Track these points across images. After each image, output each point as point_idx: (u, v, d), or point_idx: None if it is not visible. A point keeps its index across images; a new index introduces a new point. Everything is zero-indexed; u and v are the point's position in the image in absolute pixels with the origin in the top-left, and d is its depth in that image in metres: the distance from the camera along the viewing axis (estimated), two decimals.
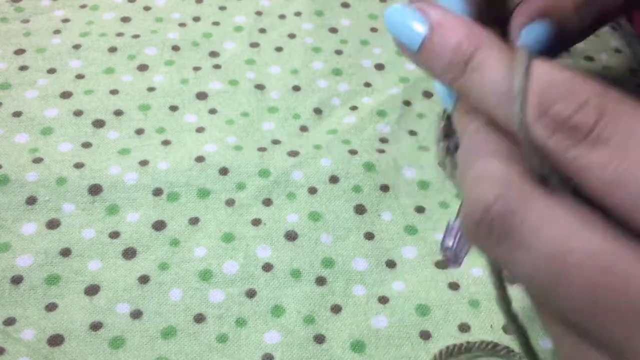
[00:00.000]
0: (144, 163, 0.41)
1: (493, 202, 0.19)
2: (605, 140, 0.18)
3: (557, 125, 0.19)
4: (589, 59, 0.51)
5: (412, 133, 0.44)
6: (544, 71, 0.19)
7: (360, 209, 0.40)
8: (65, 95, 0.44)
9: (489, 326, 0.35)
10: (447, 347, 0.34)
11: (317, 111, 0.45)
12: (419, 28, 0.22)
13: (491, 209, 0.19)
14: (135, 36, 0.49)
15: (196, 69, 0.47)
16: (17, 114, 0.43)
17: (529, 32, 0.29)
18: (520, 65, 0.20)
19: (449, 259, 0.25)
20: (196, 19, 0.51)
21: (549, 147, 0.19)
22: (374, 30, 0.52)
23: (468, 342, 0.34)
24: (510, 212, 0.18)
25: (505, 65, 0.20)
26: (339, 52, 0.50)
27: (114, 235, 0.37)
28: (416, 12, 0.22)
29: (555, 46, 0.30)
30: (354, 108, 0.46)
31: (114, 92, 0.45)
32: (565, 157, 0.19)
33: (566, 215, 0.18)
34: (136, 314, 0.35)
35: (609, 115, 0.18)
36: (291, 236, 0.38)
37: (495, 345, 0.34)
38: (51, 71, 0.46)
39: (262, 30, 0.51)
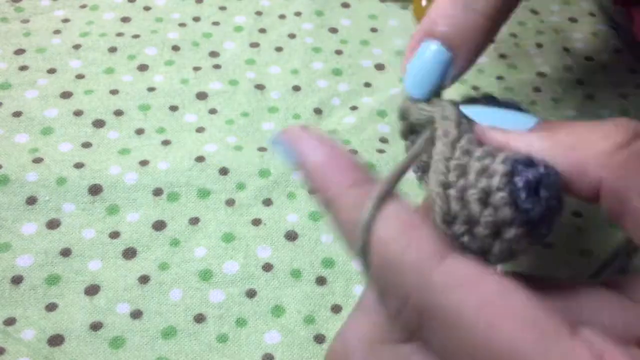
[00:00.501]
0: (144, 163, 0.41)
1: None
2: (430, 341, 0.20)
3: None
4: (589, 59, 0.51)
5: None
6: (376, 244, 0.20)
7: None
8: (66, 95, 0.44)
9: None
10: None
11: (317, 111, 0.45)
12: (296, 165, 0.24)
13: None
14: (136, 36, 0.49)
15: (196, 69, 0.47)
16: (17, 114, 0.43)
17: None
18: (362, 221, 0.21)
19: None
20: (196, 19, 0.51)
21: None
22: (374, 30, 0.52)
23: None
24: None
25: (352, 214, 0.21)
26: (339, 52, 0.50)
27: (114, 235, 0.37)
28: (295, 153, 0.23)
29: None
30: (354, 108, 0.46)
31: (114, 92, 0.45)
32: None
33: None
34: (136, 314, 0.35)
35: (428, 316, 0.19)
36: (291, 236, 0.38)
37: None
38: (51, 71, 0.46)
39: (262, 30, 0.51)
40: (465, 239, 0.21)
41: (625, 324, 0.20)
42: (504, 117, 0.23)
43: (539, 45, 0.52)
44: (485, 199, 0.21)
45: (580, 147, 0.20)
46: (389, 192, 0.21)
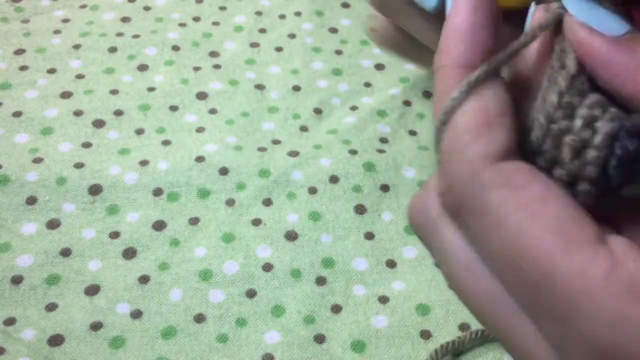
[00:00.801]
0: (144, 163, 0.41)
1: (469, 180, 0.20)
2: (467, 228, 0.20)
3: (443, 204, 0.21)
4: None
5: (412, 133, 0.44)
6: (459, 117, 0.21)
7: (360, 209, 0.40)
8: (65, 95, 0.44)
9: None
10: (441, 346, 0.34)
11: (317, 111, 0.45)
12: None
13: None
14: (135, 36, 0.49)
15: (196, 69, 0.47)
16: (17, 114, 0.43)
17: None
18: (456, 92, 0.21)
19: None
20: (196, 19, 0.51)
21: None
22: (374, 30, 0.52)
23: (459, 337, 0.34)
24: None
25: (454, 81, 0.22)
26: (339, 52, 0.50)
27: (114, 235, 0.37)
28: None
29: None
30: (354, 108, 0.46)
31: (114, 92, 0.45)
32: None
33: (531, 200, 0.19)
34: (136, 314, 0.35)
35: (467, 208, 0.20)
36: (291, 236, 0.38)
37: (483, 331, 0.34)
38: (51, 71, 0.46)
39: (262, 30, 0.51)
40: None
41: None
42: (602, 16, 0.22)
43: None
44: (580, 149, 0.21)
45: None
46: (484, 78, 0.21)
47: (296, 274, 0.37)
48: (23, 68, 0.46)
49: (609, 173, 0.21)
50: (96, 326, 0.34)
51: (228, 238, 0.38)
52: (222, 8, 0.52)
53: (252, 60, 0.48)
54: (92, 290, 0.35)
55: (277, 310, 0.35)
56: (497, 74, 0.22)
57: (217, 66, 0.47)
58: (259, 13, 0.52)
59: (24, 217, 0.37)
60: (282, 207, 0.39)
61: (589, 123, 0.21)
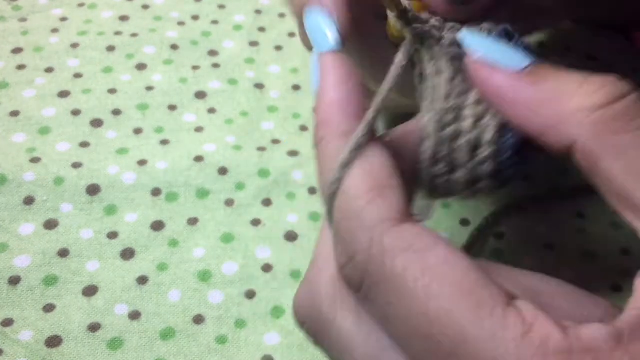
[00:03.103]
0: (142, 163, 0.40)
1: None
2: (371, 300, 0.20)
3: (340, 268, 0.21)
4: (592, 58, 0.51)
5: None
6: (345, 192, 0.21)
7: None
8: (63, 94, 0.44)
9: None
10: None
11: None
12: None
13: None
14: (134, 35, 0.48)
15: (195, 68, 0.47)
16: (14, 114, 0.42)
17: None
18: (339, 165, 0.21)
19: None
20: (195, 18, 0.50)
21: None
22: None
23: None
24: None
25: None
26: None
27: (112, 235, 0.37)
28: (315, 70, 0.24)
29: None
30: None
31: (112, 91, 0.44)
32: None
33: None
34: (135, 315, 0.34)
35: (370, 276, 0.19)
36: (291, 236, 0.38)
37: None
38: (49, 70, 0.45)
39: (262, 29, 0.50)
40: (441, 180, 0.22)
41: (577, 312, 0.20)
42: (502, 50, 0.22)
43: None
44: (474, 149, 0.21)
45: (561, 101, 0.20)
46: (364, 141, 0.21)
47: (296, 274, 0.37)
48: (20, 67, 0.45)
49: (504, 165, 0.22)
50: (94, 327, 0.34)
51: (227, 238, 0.38)
52: (221, 7, 0.52)
53: (252, 59, 0.48)
54: (90, 291, 0.35)
55: (277, 311, 0.35)
56: (374, 133, 0.22)
57: (216, 65, 0.47)
58: (258, 12, 0.52)
59: (22, 218, 0.37)
60: (282, 207, 0.39)
61: (477, 121, 0.22)
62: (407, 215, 0.20)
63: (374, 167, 0.21)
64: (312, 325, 0.23)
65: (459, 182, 0.22)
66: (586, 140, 0.19)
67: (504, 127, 0.21)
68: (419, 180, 0.23)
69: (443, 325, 0.18)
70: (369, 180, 0.21)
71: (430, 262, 0.19)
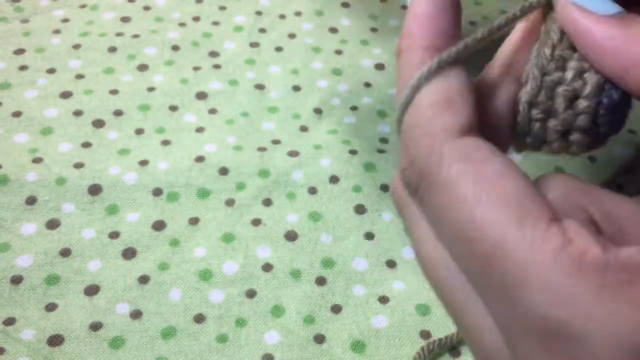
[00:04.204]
0: (143, 163, 0.41)
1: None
2: (425, 203, 0.21)
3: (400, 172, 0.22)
4: None
5: None
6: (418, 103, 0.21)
7: (360, 209, 0.40)
8: (65, 95, 0.44)
9: None
10: (428, 344, 0.34)
11: (317, 111, 0.45)
12: None
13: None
14: (135, 36, 0.49)
15: (196, 68, 0.47)
16: (16, 114, 0.42)
17: None
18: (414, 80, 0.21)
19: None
20: (196, 19, 0.51)
21: None
22: (374, 30, 0.52)
23: (445, 337, 0.34)
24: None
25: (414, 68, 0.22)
26: (339, 52, 0.50)
27: (114, 235, 0.37)
28: None
29: None
30: (354, 108, 0.46)
31: (113, 92, 0.45)
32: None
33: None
34: (136, 314, 0.35)
35: (427, 180, 0.20)
36: (291, 236, 0.38)
37: None
38: (51, 71, 0.46)
39: (262, 30, 0.51)
40: (536, 125, 0.22)
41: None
42: None
43: None
44: (573, 99, 0.22)
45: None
46: (452, 60, 0.21)
47: (296, 274, 0.37)
48: (23, 68, 0.45)
49: (600, 122, 0.22)
50: (96, 326, 0.34)
51: (228, 238, 0.38)
52: (222, 8, 0.52)
53: (252, 60, 0.48)
54: (92, 290, 0.35)
55: (277, 311, 0.35)
56: (462, 59, 0.22)
57: (217, 66, 0.47)
58: (258, 13, 0.52)
59: (24, 217, 0.37)
60: (282, 207, 0.39)
61: (580, 74, 0.22)
62: (472, 129, 0.21)
63: (450, 83, 0.21)
64: (396, 203, 0.23)
65: (553, 130, 0.22)
66: None
67: (604, 85, 0.22)
68: (515, 126, 0.23)
69: (486, 230, 0.18)
70: (442, 94, 0.21)
71: (484, 173, 0.19)
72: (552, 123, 0.22)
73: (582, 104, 0.22)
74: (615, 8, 0.22)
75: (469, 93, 0.22)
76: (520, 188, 0.19)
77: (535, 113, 0.22)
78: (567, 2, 0.22)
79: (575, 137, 0.22)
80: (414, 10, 0.23)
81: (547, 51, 0.23)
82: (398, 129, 0.22)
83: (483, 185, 0.19)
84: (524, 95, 0.22)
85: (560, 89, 0.22)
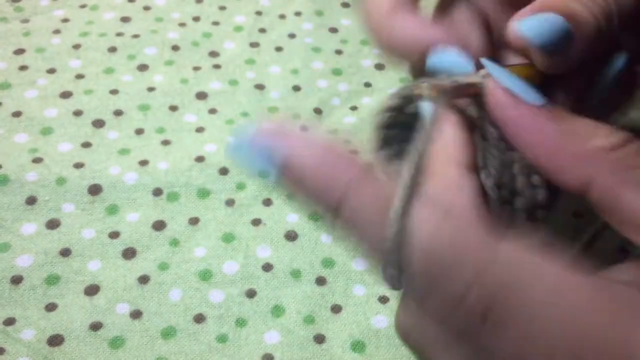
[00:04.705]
0: (143, 163, 0.41)
1: None
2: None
3: None
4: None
5: None
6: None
7: None
8: (65, 95, 0.44)
9: None
10: None
11: (317, 111, 0.45)
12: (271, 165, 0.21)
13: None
14: (135, 36, 0.49)
15: (196, 68, 0.47)
16: (16, 114, 0.43)
17: (527, 24, 0.23)
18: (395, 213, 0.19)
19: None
20: (196, 19, 0.51)
21: None
22: None
23: None
24: None
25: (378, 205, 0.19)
26: (339, 52, 0.50)
27: (114, 235, 0.37)
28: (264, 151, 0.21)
29: (567, 45, 0.23)
30: (354, 108, 0.46)
31: (113, 92, 0.45)
32: None
33: None
34: (136, 314, 0.35)
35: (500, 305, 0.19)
36: (291, 236, 0.38)
37: None
38: (51, 71, 0.46)
39: (262, 30, 0.51)
40: (506, 208, 0.22)
41: None
42: (522, 86, 0.22)
43: None
44: (529, 175, 0.22)
45: (579, 141, 0.21)
46: (416, 180, 0.20)
47: (296, 274, 0.37)
48: (23, 68, 0.45)
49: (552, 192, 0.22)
50: (96, 326, 0.34)
51: (228, 238, 0.38)
52: (222, 8, 0.52)
53: (252, 60, 0.48)
54: (92, 290, 0.35)
55: (277, 310, 0.35)
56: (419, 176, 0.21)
57: (217, 66, 0.47)
58: (258, 13, 0.52)
59: (24, 217, 0.37)
60: (282, 207, 0.39)
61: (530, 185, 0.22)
62: (495, 232, 0.19)
63: (432, 197, 0.20)
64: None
65: (522, 210, 0.22)
66: (606, 178, 0.20)
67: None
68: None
69: (594, 348, 0.18)
70: (436, 211, 0.19)
71: (553, 281, 0.18)
72: (520, 201, 0.22)
73: (536, 179, 0.22)
74: (542, 99, 0.21)
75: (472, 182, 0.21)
76: (592, 288, 0.19)
77: (505, 193, 0.22)
78: (500, 88, 0.22)
79: (541, 214, 0.22)
80: (313, 163, 0.21)
81: (494, 132, 0.22)
82: (406, 278, 0.19)
83: (562, 299, 0.18)
84: (489, 180, 0.22)
85: (516, 167, 0.22)
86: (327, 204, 0.20)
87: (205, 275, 0.36)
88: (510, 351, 0.18)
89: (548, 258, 0.19)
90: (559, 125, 0.21)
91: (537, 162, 0.21)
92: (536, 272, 0.18)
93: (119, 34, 0.49)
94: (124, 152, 0.41)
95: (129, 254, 0.37)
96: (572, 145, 0.21)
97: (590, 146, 0.21)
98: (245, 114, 0.44)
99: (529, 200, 0.22)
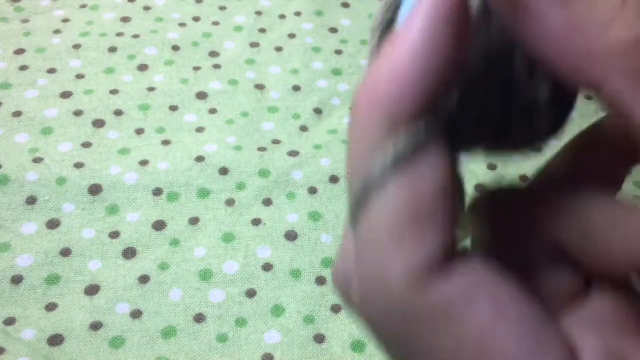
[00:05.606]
0: (144, 163, 0.41)
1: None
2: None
3: None
4: None
5: None
6: None
7: None
8: (66, 95, 0.44)
9: None
10: None
11: (317, 111, 0.45)
12: None
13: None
14: (136, 36, 0.49)
15: (196, 69, 0.47)
16: (17, 114, 0.43)
17: None
18: None
19: None
20: (196, 19, 0.51)
21: None
22: None
23: None
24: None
25: None
26: (339, 52, 0.50)
27: (114, 235, 0.37)
28: None
29: None
30: None
31: (114, 92, 0.45)
32: None
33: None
34: (136, 314, 0.35)
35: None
36: (291, 236, 0.38)
37: None
38: (51, 71, 0.46)
39: (262, 30, 0.51)
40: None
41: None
42: None
43: None
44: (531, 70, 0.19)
45: (593, 30, 0.15)
46: (421, 144, 0.14)
47: (296, 274, 0.37)
48: (23, 68, 0.46)
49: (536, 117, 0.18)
50: (96, 326, 0.34)
51: (228, 238, 0.38)
52: (222, 8, 0.52)
53: (252, 60, 0.48)
54: (92, 290, 0.35)
55: (277, 310, 0.35)
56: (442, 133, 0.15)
57: (217, 66, 0.47)
58: (259, 13, 0.52)
59: (24, 217, 0.37)
60: (282, 207, 0.40)
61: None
62: (446, 258, 0.15)
63: (419, 186, 0.14)
64: None
65: (519, 108, 0.18)
66: (618, 87, 0.14)
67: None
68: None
69: None
70: (405, 205, 0.14)
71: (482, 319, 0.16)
72: (517, 101, 0.17)
73: (540, 75, 0.17)
74: None
75: (449, 196, 0.14)
76: (522, 314, 0.16)
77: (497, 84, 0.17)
78: None
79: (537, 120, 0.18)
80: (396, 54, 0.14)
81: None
82: (353, 227, 0.15)
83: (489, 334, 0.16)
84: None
85: (517, 58, 0.17)
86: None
87: (206, 275, 0.36)
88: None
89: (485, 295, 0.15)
90: (572, 10, 0.15)
91: (542, 58, 0.15)
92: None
93: (119, 34, 0.49)
94: (124, 152, 0.41)
95: (129, 254, 0.37)
96: (585, 38, 0.15)
97: (607, 40, 0.14)
98: (245, 114, 0.44)
99: (527, 98, 0.17)
